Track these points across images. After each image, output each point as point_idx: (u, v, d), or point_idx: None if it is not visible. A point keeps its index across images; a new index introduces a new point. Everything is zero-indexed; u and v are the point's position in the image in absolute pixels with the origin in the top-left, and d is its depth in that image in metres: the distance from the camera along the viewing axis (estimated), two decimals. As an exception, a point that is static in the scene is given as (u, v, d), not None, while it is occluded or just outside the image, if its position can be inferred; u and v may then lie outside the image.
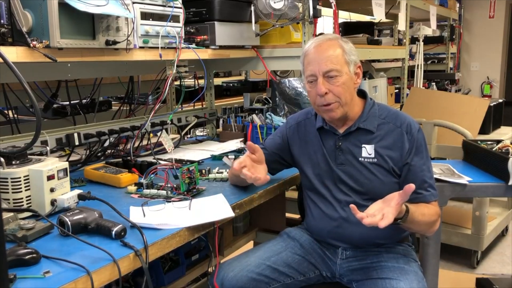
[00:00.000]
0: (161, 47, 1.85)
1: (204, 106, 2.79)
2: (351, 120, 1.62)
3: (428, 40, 5.64)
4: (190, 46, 2.01)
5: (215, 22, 2.15)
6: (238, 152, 2.17)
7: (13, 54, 1.35)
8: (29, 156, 1.43)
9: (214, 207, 1.47)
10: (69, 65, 1.93)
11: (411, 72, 4.46)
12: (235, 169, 1.54)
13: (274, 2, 2.19)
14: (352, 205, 1.35)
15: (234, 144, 2.35)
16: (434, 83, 4.94)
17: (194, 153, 2.26)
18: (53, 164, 1.40)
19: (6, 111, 2.15)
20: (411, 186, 1.32)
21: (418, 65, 4.41)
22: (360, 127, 1.61)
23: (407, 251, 1.66)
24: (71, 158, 2.01)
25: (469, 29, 7.34)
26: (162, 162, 1.94)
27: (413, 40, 4.85)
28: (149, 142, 2.23)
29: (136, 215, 1.36)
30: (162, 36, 1.84)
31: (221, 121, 2.76)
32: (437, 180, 1.81)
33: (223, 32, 2.19)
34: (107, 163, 1.90)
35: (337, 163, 1.62)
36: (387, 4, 3.32)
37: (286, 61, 2.43)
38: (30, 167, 1.36)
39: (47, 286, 0.99)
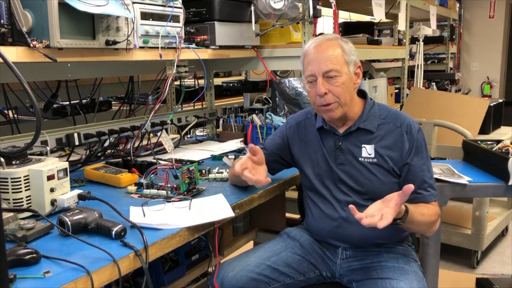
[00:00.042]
0: (161, 47, 1.85)
1: (204, 106, 2.79)
2: (351, 120, 1.62)
3: (428, 40, 5.64)
4: (190, 46, 2.01)
5: (215, 22, 2.15)
6: (238, 152, 2.17)
7: (13, 54, 1.35)
8: (29, 156, 1.43)
9: (214, 207, 1.47)
10: (69, 65, 1.93)
11: (411, 72, 4.46)
12: (236, 171, 1.53)
13: (274, 2, 2.19)
14: (351, 206, 1.35)
15: (234, 144, 2.35)
16: (434, 83, 4.94)
17: (194, 153, 2.26)
18: (53, 164, 1.40)
19: (6, 111, 2.15)
20: (410, 187, 1.32)
21: (418, 65, 4.41)
22: (360, 127, 1.61)
23: (407, 251, 1.66)
24: (71, 158, 2.01)
25: (469, 29, 7.34)
26: (162, 162, 1.94)
27: (413, 40, 4.85)
28: (149, 142, 2.23)
29: (136, 215, 1.36)
30: (162, 36, 1.84)
31: (221, 121, 2.76)
32: (437, 180, 1.81)
33: (223, 32, 2.19)
34: (107, 163, 1.90)
35: (337, 163, 1.62)
36: (387, 4, 3.32)
37: (286, 61, 2.43)
38: (30, 167, 1.36)
39: (47, 286, 0.99)
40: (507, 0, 7.19)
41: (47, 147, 1.68)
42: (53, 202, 1.37)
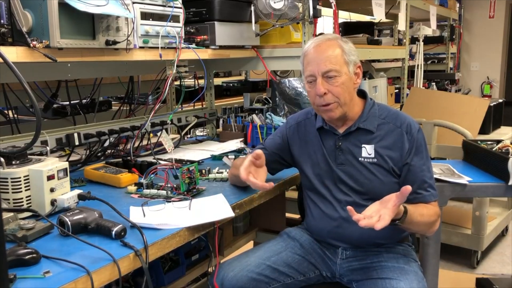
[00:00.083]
0: (161, 47, 1.85)
1: (204, 106, 2.79)
2: (351, 120, 1.62)
3: (428, 40, 5.64)
4: (190, 46, 2.01)
5: (215, 22, 2.15)
6: (238, 152, 2.17)
7: (13, 54, 1.35)
8: (29, 156, 1.43)
9: (214, 207, 1.47)
10: (69, 65, 1.93)
11: (411, 72, 4.46)
12: (242, 177, 1.52)
13: (274, 2, 2.19)
14: (349, 207, 1.35)
15: (234, 144, 2.35)
16: (434, 83, 4.94)
17: (194, 153, 2.26)
18: (53, 164, 1.40)
19: (6, 111, 2.15)
20: (408, 188, 1.32)
21: (418, 65, 4.41)
22: (360, 127, 1.61)
23: (407, 251, 1.66)
24: (71, 158, 2.01)
25: (469, 29, 7.34)
26: (162, 162, 1.94)
27: (413, 40, 4.85)
28: (149, 142, 2.23)
29: (136, 215, 1.36)
30: (162, 36, 1.84)
31: (221, 121, 2.76)
32: (437, 180, 1.81)
33: (223, 32, 2.19)
34: (107, 163, 1.90)
35: (337, 163, 1.62)
36: (387, 4, 3.32)
37: (286, 61, 2.43)
38: (30, 167, 1.36)
39: (47, 286, 0.99)
40: (507, 0, 7.19)
41: (47, 147, 1.68)
42: (53, 202, 1.37)
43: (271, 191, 1.72)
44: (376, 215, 1.32)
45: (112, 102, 2.79)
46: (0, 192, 1.33)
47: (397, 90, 4.11)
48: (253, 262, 1.60)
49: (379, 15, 3.18)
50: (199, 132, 3.10)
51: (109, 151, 2.14)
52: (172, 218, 1.35)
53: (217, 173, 1.83)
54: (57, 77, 2.12)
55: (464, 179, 1.89)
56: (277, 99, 2.56)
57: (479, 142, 2.20)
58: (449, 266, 3.07)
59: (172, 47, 1.90)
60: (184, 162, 2.01)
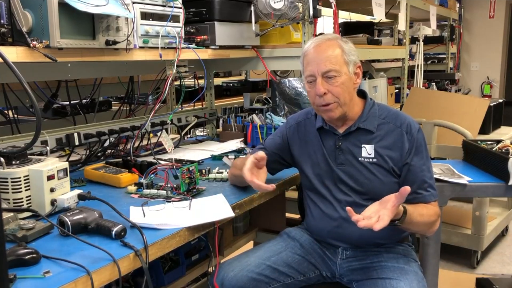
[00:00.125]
0: (161, 47, 1.85)
1: (204, 106, 2.79)
2: (351, 120, 1.62)
3: (428, 40, 5.64)
4: (190, 46, 2.01)
5: (215, 22, 2.15)
6: (238, 152, 2.17)
7: (13, 54, 1.35)
8: (29, 156, 1.43)
9: (214, 207, 1.47)
10: (69, 65, 1.93)
11: (411, 72, 4.46)
12: (248, 179, 1.51)
13: (274, 2, 2.19)
14: (348, 208, 1.35)
15: (234, 144, 2.35)
16: (434, 83, 4.94)
17: (194, 153, 2.26)
18: (53, 164, 1.40)
19: (6, 111, 2.15)
20: (407, 189, 1.31)
21: (418, 65, 4.41)
22: (360, 127, 1.61)
23: (407, 251, 1.66)
24: (71, 158, 2.01)
25: (469, 29, 7.34)
26: (162, 162, 1.94)
27: (413, 40, 4.85)
28: (149, 142, 2.23)
29: (136, 215, 1.36)
30: (162, 36, 1.84)
31: (221, 121, 2.76)
32: (437, 180, 1.81)
33: (223, 32, 2.19)
34: (107, 163, 1.90)
35: (337, 163, 1.62)
36: (387, 4, 3.32)
37: (286, 61, 2.43)
38: (30, 167, 1.36)
39: (47, 286, 0.99)
40: (507, 0, 7.19)
41: (47, 147, 1.68)
42: (53, 202, 1.37)
43: (271, 191, 1.72)
44: (375, 216, 1.32)
45: (112, 102, 2.79)
46: (0, 192, 1.33)
47: (397, 90, 4.11)
48: (253, 262, 1.60)
49: (379, 15, 3.18)
50: (199, 132, 3.10)
51: (109, 151, 2.14)
52: (172, 218, 1.35)
53: (217, 173, 1.83)
54: (57, 77, 2.12)
55: (464, 179, 1.89)
56: (277, 99, 2.56)
57: (479, 142, 2.20)
58: (449, 266, 3.07)
59: (172, 47, 1.90)
60: (184, 162, 2.01)
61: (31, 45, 1.38)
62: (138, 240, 1.19)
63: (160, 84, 2.54)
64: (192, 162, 1.92)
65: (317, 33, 2.39)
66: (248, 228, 2.46)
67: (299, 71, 2.32)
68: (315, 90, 1.55)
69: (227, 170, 1.81)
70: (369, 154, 1.59)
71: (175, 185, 1.61)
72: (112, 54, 1.67)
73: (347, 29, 4.27)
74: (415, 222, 1.46)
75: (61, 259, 1.09)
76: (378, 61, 4.53)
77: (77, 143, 1.95)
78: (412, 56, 4.65)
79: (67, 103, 2.36)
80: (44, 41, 1.41)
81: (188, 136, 2.92)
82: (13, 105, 2.17)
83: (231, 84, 4.03)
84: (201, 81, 2.76)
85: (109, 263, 1.08)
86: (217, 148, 2.31)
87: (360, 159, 1.59)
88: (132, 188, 1.65)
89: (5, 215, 1.24)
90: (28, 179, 1.36)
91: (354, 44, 1.62)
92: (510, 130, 3.43)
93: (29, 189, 1.36)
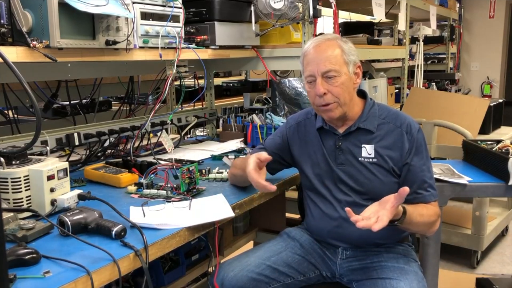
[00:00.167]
0: (161, 47, 1.85)
1: (204, 106, 2.79)
2: (351, 120, 1.62)
3: (428, 40, 5.64)
4: (190, 46, 2.01)
5: (215, 22, 2.15)
6: (238, 152, 2.17)
7: (13, 54, 1.35)
8: (29, 156, 1.43)
9: (214, 207, 1.47)
10: (69, 65, 1.93)
11: (411, 72, 4.46)
12: (253, 180, 1.51)
13: (274, 2, 2.19)
14: (347, 208, 1.35)
15: (234, 144, 2.35)
16: (434, 83, 4.94)
17: (194, 153, 2.26)
18: (53, 164, 1.40)
19: (6, 111, 2.15)
20: (405, 189, 1.31)
21: (418, 65, 4.41)
22: (360, 127, 1.61)
23: (407, 251, 1.66)
24: (71, 158, 2.01)
25: (469, 29, 7.34)
26: (162, 162, 1.94)
27: (413, 40, 4.85)
28: (149, 142, 2.23)
29: (136, 215, 1.36)
30: (162, 36, 1.84)
31: (221, 121, 2.76)
32: (437, 180, 1.81)
33: (223, 32, 2.19)
34: (107, 163, 1.90)
35: (337, 163, 1.62)
36: (387, 4, 3.32)
37: (286, 61, 2.43)
38: (30, 167, 1.36)
39: (47, 286, 0.99)
40: (507, 0, 7.19)
41: (47, 147, 1.68)
42: (53, 202, 1.37)
43: (271, 192, 1.72)
44: (374, 216, 1.32)
45: (112, 102, 2.79)
46: (0, 192, 1.33)
47: (397, 90, 4.11)
48: (253, 262, 1.60)
49: (379, 15, 3.18)
50: (199, 132, 3.10)
51: (109, 151, 2.14)
52: (172, 218, 1.35)
53: (217, 173, 1.83)
54: (57, 77, 2.12)
55: (464, 179, 1.89)
56: (277, 99, 2.56)
57: (479, 142, 2.20)
58: (449, 266, 3.07)
59: (172, 47, 1.90)
60: (184, 162, 2.01)
61: (31, 45, 1.38)
62: (138, 240, 1.19)
63: (160, 84, 2.54)
64: (192, 162, 1.92)
65: (317, 33, 2.39)
66: (248, 228, 2.46)
67: (299, 71, 2.32)
68: (315, 90, 1.55)
69: (227, 170, 1.81)
70: (369, 154, 1.59)
71: (175, 185, 1.61)
72: (112, 54, 1.67)
73: (347, 29, 4.27)
74: (415, 222, 1.46)
75: (61, 259, 1.09)
76: (378, 61, 4.53)
77: (77, 143, 1.95)
78: (412, 56, 4.65)
79: (67, 103, 2.36)
80: (44, 41, 1.41)
81: (188, 136, 2.92)
82: (13, 105, 2.17)
83: (231, 84, 4.03)
84: (201, 81, 2.76)
85: (109, 263, 1.08)
86: (217, 148, 2.31)
87: (360, 159, 1.59)
88: (132, 188, 1.65)
89: (5, 215, 1.24)
90: (28, 179, 1.36)
91: (354, 44, 1.62)
92: (510, 130, 3.43)
93: (29, 189, 1.36)
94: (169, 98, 2.88)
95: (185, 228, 1.31)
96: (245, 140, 2.42)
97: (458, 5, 6.09)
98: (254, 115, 2.47)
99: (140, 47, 1.79)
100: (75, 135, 1.94)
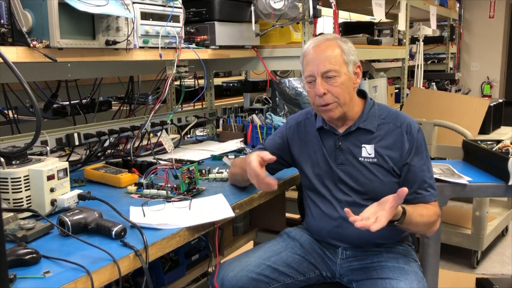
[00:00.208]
0: (161, 47, 1.85)
1: (204, 106, 2.79)
2: (351, 120, 1.62)
3: (428, 40, 5.64)
4: (190, 46, 2.01)
5: (215, 22, 2.15)
6: (238, 152, 2.17)
7: (13, 54, 1.35)
8: (29, 156, 1.43)
9: (214, 207, 1.47)
10: (69, 65, 1.93)
11: (411, 72, 4.46)
12: (261, 178, 1.50)
13: (274, 2, 2.19)
14: (346, 209, 1.35)
15: (234, 144, 2.35)
16: (434, 83, 4.94)
17: (194, 153, 2.26)
18: (53, 164, 1.40)
19: (6, 111, 2.15)
20: (404, 190, 1.31)
21: (418, 65, 4.41)
22: (360, 127, 1.61)
23: (407, 251, 1.66)
24: (71, 158, 2.01)
25: (469, 29, 7.34)
26: (162, 162, 1.94)
27: (413, 40, 4.85)
28: (149, 142, 2.23)
29: (136, 215, 1.36)
30: (162, 36, 1.84)
31: (221, 121, 2.76)
32: (437, 180, 1.81)
33: (223, 32, 2.19)
34: (107, 163, 1.90)
35: (337, 163, 1.62)
36: (387, 4, 3.31)
37: (286, 61, 2.43)
38: (30, 167, 1.36)
39: (47, 286, 0.99)
40: (507, 0, 7.19)
41: (47, 147, 1.68)
42: (53, 202, 1.37)
43: (271, 191, 1.72)
44: (373, 217, 1.32)
45: (112, 102, 2.79)
46: (0, 192, 1.33)
47: (397, 90, 4.11)
48: (253, 262, 1.60)
49: (379, 15, 3.18)
50: (199, 132, 3.10)
51: (109, 151, 2.14)
52: (172, 218, 1.35)
53: (217, 173, 1.83)
54: (57, 77, 2.12)
55: (464, 179, 1.89)
56: (277, 99, 2.56)
57: (479, 142, 2.20)
58: (449, 266, 3.07)
59: (172, 47, 1.90)
60: (184, 162, 2.01)
61: (31, 45, 1.38)
62: (138, 240, 1.19)
63: (160, 84, 2.54)
64: (192, 162, 1.92)
65: (317, 33, 2.39)
66: (248, 228, 2.46)
67: (299, 71, 2.32)
68: (314, 90, 1.55)
69: (227, 170, 1.81)
70: (369, 154, 1.59)
71: (175, 185, 1.61)
72: (112, 54, 1.67)
73: (347, 29, 4.27)
74: (414, 222, 1.46)
75: (61, 259, 1.09)
76: (378, 61, 4.53)
77: (77, 143, 1.95)
78: (412, 56, 4.65)
79: (67, 103, 2.36)
80: (44, 41, 1.41)
81: (188, 136, 2.92)
82: (13, 105, 2.17)
83: (231, 84, 4.03)
84: (201, 81, 2.76)
85: (109, 263, 1.08)
86: (217, 148, 2.31)
87: (360, 159, 1.59)
88: (132, 188, 1.65)
89: (5, 215, 1.24)
90: (28, 179, 1.36)
91: (354, 44, 1.62)
92: (510, 130, 3.43)
93: (29, 189, 1.36)
94: (169, 98, 2.88)
95: (185, 228, 1.31)
96: (245, 140, 2.42)
97: (458, 5, 6.09)
98: (254, 115, 2.47)
99: (140, 47, 1.79)
100: (75, 135, 1.94)
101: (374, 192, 1.56)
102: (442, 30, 5.99)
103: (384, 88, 3.50)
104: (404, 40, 4.00)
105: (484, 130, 3.21)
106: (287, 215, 2.51)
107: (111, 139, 2.09)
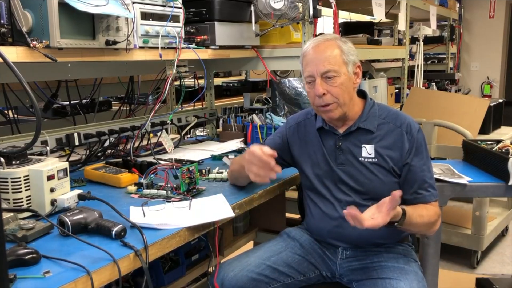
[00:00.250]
0: (161, 47, 1.85)
1: (204, 106, 2.79)
2: (351, 120, 1.62)
3: (428, 40, 5.64)
4: (190, 46, 2.01)
5: (215, 22, 2.15)
6: (238, 152, 2.17)
7: (13, 54, 1.35)
8: (29, 156, 1.43)
9: (214, 207, 1.47)
10: (69, 65, 1.93)
11: (411, 72, 4.46)
12: (258, 154, 1.50)
13: (274, 2, 2.19)
14: (345, 211, 1.35)
15: (234, 144, 2.35)
16: (434, 83, 4.94)
17: (194, 153, 2.26)
18: (53, 164, 1.40)
19: (6, 111, 2.15)
20: (398, 193, 1.31)
21: (418, 65, 4.41)
22: (360, 127, 1.61)
23: (407, 251, 1.66)
24: (71, 158, 2.01)
25: (469, 29, 7.34)
26: (162, 162, 1.94)
27: (413, 40, 4.85)
28: (149, 142, 2.23)
29: (136, 215, 1.36)
30: (162, 36, 1.84)
31: (221, 121, 2.76)
32: (437, 180, 1.81)
33: (223, 32, 2.19)
34: (107, 163, 1.90)
35: (337, 163, 1.62)
36: (387, 4, 3.32)
37: (286, 61, 2.43)
38: (30, 167, 1.36)
39: (47, 286, 0.99)
40: (507, 0, 7.19)
41: (47, 147, 1.68)
42: (53, 202, 1.37)
43: (271, 191, 1.72)
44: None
45: (112, 102, 2.79)
46: (0, 192, 1.33)
47: (397, 90, 4.11)
48: (253, 262, 1.60)
49: (379, 15, 3.18)
50: (199, 132, 3.10)
51: (109, 151, 2.14)
52: (172, 218, 1.35)
53: (217, 173, 1.83)
54: (57, 77, 2.12)
55: (464, 179, 1.89)
56: (277, 99, 2.56)
57: (479, 142, 2.20)
58: (449, 266, 3.07)
59: (172, 47, 1.90)
60: (184, 162, 2.01)
61: (31, 45, 1.38)
62: (138, 240, 1.19)
63: (160, 84, 2.54)
64: (192, 162, 1.92)
65: (317, 33, 2.39)
66: (248, 228, 2.46)
67: (299, 71, 2.32)
68: (314, 90, 1.55)
69: (227, 170, 1.81)
70: (369, 154, 1.59)
71: (175, 185, 1.61)
72: (112, 54, 1.67)
73: (347, 29, 4.27)
74: (415, 223, 1.46)
75: (61, 259, 1.09)
76: (378, 61, 4.53)
77: (77, 143, 1.95)
78: (412, 56, 4.65)
79: (67, 103, 2.36)
80: (44, 41, 1.41)
81: (188, 136, 2.92)
82: (13, 105, 2.17)
83: (231, 84, 4.03)
84: (201, 81, 2.76)
85: (109, 263, 1.08)
86: (217, 148, 2.31)
87: (360, 159, 1.59)
88: (132, 188, 1.65)
89: (5, 215, 1.24)
90: (28, 179, 1.36)
91: (354, 44, 1.62)
92: (510, 130, 3.43)
93: (29, 189, 1.36)
94: (169, 98, 2.88)
95: (185, 228, 1.30)
96: (245, 140, 2.42)
97: (458, 5, 6.09)
98: (254, 115, 2.47)
99: (140, 47, 1.79)
100: (75, 135, 1.94)
101: (374, 192, 1.56)
102: (442, 30, 5.99)
103: (384, 88, 3.50)
104: (404, 40, 4.00)
105: (484, 130, 3.21)
106: (287, 215, 2.51)
107: (111, 139, 2.09)
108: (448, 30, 5.77)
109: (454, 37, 5.96)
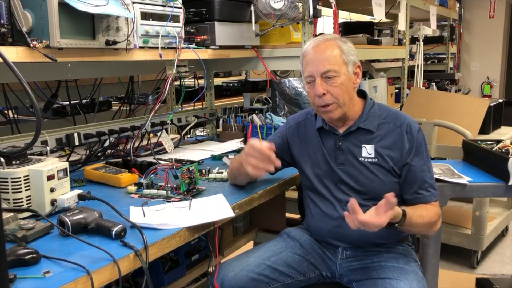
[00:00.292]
0: (161, 47, 1.85)
1: (204, 106, 2.79)
2: (351, 120, 1.62)
3: (428, 40, 5.64)
4: (190, 46, 2.01)
5: (215, 22, 2.15)
6: (238, 152, 2.16)
7: (13, 54, 1.35)
8: (29, 156, 1.43)
9: (214, 207, 1.47)
10: (69, 65, 1.93)
11: (411, 72, 4.46)
12: (256, 146, 1.51)
13: (274, 2, 2.19)
14: (346, 212, 1.35)
15: (234, 144, 2.35)
16: (434, 83, 4.94)
17: (194, 153, 2.26)
18: (53, 164, 1.40)
19: (6, 111, 2.15)
20: (391, 195, 1.31)
21: (418, 65, 4.41)
22: (360, 127, 1.61)
23: (407, 251, 1.66)
24: (71, 158, 2.01)
25: (469, 29, 7.34)
26: (162, 162, 1.94)
27: (413, 40, 4.85)
28: (149, 142, 2.23)
29: (136, 215, 1.36)
30: (162, 36, 1.84)
31: (221, 121, 2.76)
32: (437, 180, 1.81)
33: (223, 32, 2.19)
34: (107, 163, 1.90)
35: (337, 163, 1.62)
36: (387, 4, 3.32)
37: (286, 61, 2.43)
38: (30, 167, 1.36)
39: (47, 286, 0.99)
40: (507, 0, 7.19)
41: (47, 147, 1.68)
42: (53, 202, 1.37)
43: (271, 191, 1.72)
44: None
45: (112, 102, 2.79)
46: (0, 192, 1.33)
47: (397, 90, 4.11)
48: (253, 262, 1.60)
49: (379, 15, 3.18)
50: (199, 132, 3.10)
51: (109, 151, 2.14)
52: (172, 218, 1.35)
53: (217, 173, 1.83)
54: (57, 77, 2.12)
55: (464, 179, 1.89)
56: (277, 99, 2.56)
57: (479, 142, 2.20)
58: (449, 266, 3.07)
59: (172, 47, 1.90)
60: (184, 162, 2.01)
61: (31, 45, 1.38)
62: (138, 240, 1.19)
63: (160, 84, 2.54)
64: (192, 162, 1.92)
65: (317, 33, 2.39)
66: (248, 228, 2.46)
67: (299, 71, 2.32)
68: (314, 90, 1.55)
69: (227, 170, 1.81)
70: (370, 154, 1.59)
71: (175, 185, 1.61)
72: (112, 54, 1.67)
73: (347, 29, 4.27)
74: (415, 224, 1.46)
75: (61, 259, 1.09)
76: (378, 61, 4.53)
77: (77, 143, 1.95)
78: (412, 56, 4.65)
79: (67, 103, 2.36)
80: (44, 41, 1.41)
81: (188, 136, 2.92)
82: (13, 105, 2.17)
83: (231, 84, 4.03)
84: (201, 81, 2.76)
85: (109, 263, 1.08)
86: (217, 148, 2.31)
87: (360, 159, 1.59)
88: (132, 188, 1.65)
89: (5, 215, 1.24)
90: (28, 179, 1.36)
91: (354, 44, 1.62)
92: (510, 130, 3.43)
93: (29, 189, 1.36)
94: (169, 98, 2.88)
95: (185, 228, 1.30)
96: (245, 140, 2.42)
97: (458, 5, 6.09)
98: (254, 115, 2.47)
99: (140, 47, 1.79)
100: (75, 135, 1.94)
101: (374, 192, 1.56)
102: (442, 30, 5.99)
103: (384, 88, 3.50)
104: (404, 40, 4.00)
105: (484, 130, 3.21)
106: (287, 215, 2.51)
107: (111, 139, 2.09)
108: (448, 30, 5.77)
109: (454, 37, 5.96)
